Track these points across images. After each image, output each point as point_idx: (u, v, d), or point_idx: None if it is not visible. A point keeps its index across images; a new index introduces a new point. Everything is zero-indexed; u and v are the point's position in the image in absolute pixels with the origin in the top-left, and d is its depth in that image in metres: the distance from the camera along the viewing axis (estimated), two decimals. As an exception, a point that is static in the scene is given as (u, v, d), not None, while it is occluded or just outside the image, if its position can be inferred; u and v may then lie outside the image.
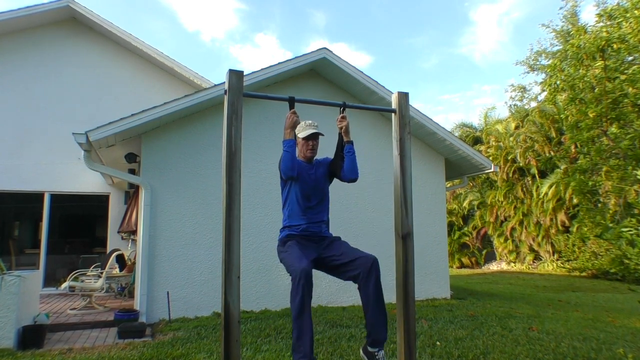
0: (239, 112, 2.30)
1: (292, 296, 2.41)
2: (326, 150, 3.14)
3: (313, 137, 2.82)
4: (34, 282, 5.36)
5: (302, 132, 2.80)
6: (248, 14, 59.09)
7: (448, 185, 10.36)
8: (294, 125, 2.69)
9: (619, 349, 4.34)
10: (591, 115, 9.46)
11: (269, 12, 58.29)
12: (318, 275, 7.23)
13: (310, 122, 2.85)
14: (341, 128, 2.82)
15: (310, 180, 2.77)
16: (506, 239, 18.33)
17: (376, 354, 2.57)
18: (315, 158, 2.91)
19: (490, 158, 15.52)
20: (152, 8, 55.05)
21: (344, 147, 2.81)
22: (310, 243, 2.74)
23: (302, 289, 2.37)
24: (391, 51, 55.42)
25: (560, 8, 16.47)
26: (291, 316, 2.48)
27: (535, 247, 17.38)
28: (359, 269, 2.56)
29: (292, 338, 2.46)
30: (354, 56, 60.25)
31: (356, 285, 2.61)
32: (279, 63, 6.78)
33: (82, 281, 7.01)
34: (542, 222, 16.81)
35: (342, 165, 2.80)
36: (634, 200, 9.77)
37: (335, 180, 2.94)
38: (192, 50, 60.01)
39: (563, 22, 15.18)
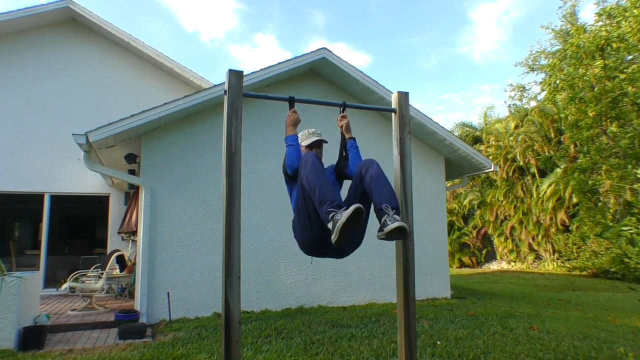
0: (239, 112, 2.29)
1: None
2: (329, 153, 3.11)
3: (317, 145, 2.80)
4: (34, 283, 5.36)
5: (305, 140, 2.78)
6: (247, 14, 59.07)
7: (448, 185, 10.35)
8: (295, 123, 2.67)
9: (620, 347, 4.34)
10: (591, 115, 9.47)
11: (268, 12, 58.28)
12: (318, 275, 7.20)
13: (313, 130, 2.83)
14: (342, 127, 2.82)
15: None
16: (506, 238, 18.34)
17: (391, 215, 2.19)
18: None
19: (490, 157, 15.53)
20: (151, 8, 55.06)
21: (347, 144, 2.80)
22: None
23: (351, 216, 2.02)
24: (390, 51, 55.40)
25: (559, 7, 16.48)
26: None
27: (535, 247, 17.39)
28: (363, 169, 2.43)
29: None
30: (353, 56, 60.24)
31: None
32: (279, 63, 6.78)
33: (83, 282, 7.01)
34: (542, 221, 16.82)
35: (347, 163, 2.77)
36: (634, 199, 9.77)
37: None
38: (191, 50, 59.99)
39: (562, 21, 15.21)
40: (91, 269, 7.72)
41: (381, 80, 18.57)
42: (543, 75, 15.39)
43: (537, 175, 17.36)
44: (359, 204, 2.07)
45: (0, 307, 4.49)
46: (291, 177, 2.67)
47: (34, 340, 4.62)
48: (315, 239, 2.45)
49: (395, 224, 2.08)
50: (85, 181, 9.14)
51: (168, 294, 5.96)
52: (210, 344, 4.49)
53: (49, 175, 8.95)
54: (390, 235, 2.12)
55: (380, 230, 2.16)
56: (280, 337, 4.78)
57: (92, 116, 8.82)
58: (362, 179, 2.43)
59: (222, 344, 2.12)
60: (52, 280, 8.76)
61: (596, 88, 9.59)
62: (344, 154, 2.80)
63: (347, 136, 2.82)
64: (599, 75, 9.52)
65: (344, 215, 2.04)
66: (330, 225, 2.10)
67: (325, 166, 2.87)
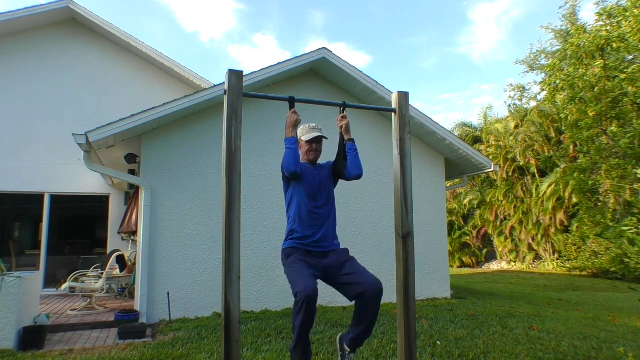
0: (238, 112, 2.30)
1: (294, 315, 2.36)
2: (328, 151, 3.12)
3: (316, 141, 2.82)
4: (34, 283, 5.36)
5: (305, 135, 2.80)
6: (246, 14, 59.13)
7: (448, 185, 10.35)
8: (295, 124, 2.67)
9: (620, 348, 4.34)
10: (591, 114, 9.46)
11: (267, 12, 58.32)
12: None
13: (314, 125, 2.84)
14: (341, 127, 2.82)
15: (314, 181, 2.73)
16: (506, 238, 18.34)
17: (348, 354, 2.68)
18: (318, 162, 2.89)
19: (490, 157, 15.53)
20: (150, 9, 55.10)
21: (346, 145, 2.81)
22: (317, 259, 2.63)
23: (304, 314, 2.30)
24: (390, 51, 55.45)
25: (560, 7, 16.50)
26: (291, 319, 2.50)
27: (535, 247, 17.40)
28: (366, 287, 2.49)
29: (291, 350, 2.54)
30: (352, 56, 60.28)
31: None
32: (279, 63, 6.78)
33: (83, 282, 7.00)
34: (541, 221, 16.82)
35: (346, 164, 2.78)
36: (634, 199, 9.77)
37: None
38: (191, 50, 60.06)
39: (562, 21, 15.23)
40: (91, 269, 7.71)
41: (381, 80, 18.59)
42: (543, 75, 15.41)
43: (537, 175, 17.36)
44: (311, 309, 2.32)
45: (0, 307, 4.49)
46: (288, 177, 2.68)
47: (34, 340, 4.62)
48: None
49: None
50: (85, 181, 9.14)
51: (168, 294, 5.97)
52: (210, 344, 4.48)
53: (49, 175, 8.95)
54: None
55: None
56: (280, 337, 4.78)
57: (92, 116, 8.83)
58: (357, 296, 2.54)
59: (222, 344, 2.12)
60: (52, 280, 8.76)
61: (596, 88, 9.57)
62: (344, 156, 2.80)
63: (346, 137, 2.82)
64: (599, 75, 9.51)
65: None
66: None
67: (324, 162, 2.90)
